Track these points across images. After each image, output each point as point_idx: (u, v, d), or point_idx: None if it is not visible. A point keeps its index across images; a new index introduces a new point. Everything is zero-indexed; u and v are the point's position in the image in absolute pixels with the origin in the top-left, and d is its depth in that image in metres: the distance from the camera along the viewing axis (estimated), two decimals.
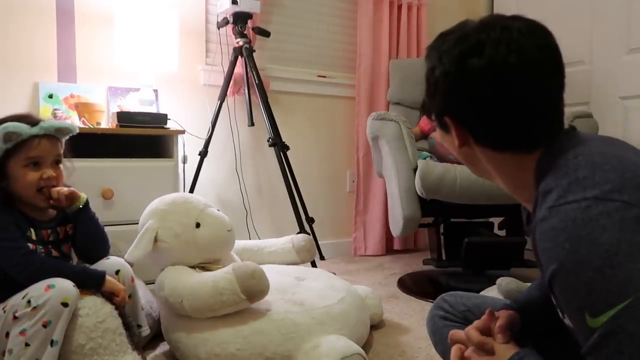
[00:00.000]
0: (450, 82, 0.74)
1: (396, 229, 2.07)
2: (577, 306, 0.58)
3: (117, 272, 1.29)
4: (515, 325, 0.85)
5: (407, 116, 2.55)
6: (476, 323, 0.85)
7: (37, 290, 1.09)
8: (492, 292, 1.53)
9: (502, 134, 0.73)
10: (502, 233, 2.23)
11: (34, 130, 1.21)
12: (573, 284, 0.58)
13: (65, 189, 1.26)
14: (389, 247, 2.91)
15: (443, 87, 0.75)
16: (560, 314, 0.75)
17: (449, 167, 1.94)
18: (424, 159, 2.13)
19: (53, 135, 1.25)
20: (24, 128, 1.19)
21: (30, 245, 1.20)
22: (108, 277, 1.25)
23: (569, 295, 0.59)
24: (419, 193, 1.96)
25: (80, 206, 1.30)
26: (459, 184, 1.91)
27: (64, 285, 1.11)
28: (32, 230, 1.23)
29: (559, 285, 0.60)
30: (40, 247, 1.23)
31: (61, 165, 1.29)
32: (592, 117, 2.09)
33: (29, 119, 1.23)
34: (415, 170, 2.00)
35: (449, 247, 2.17)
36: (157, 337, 1.49)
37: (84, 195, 1.32)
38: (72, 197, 1.27)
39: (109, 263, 1.31)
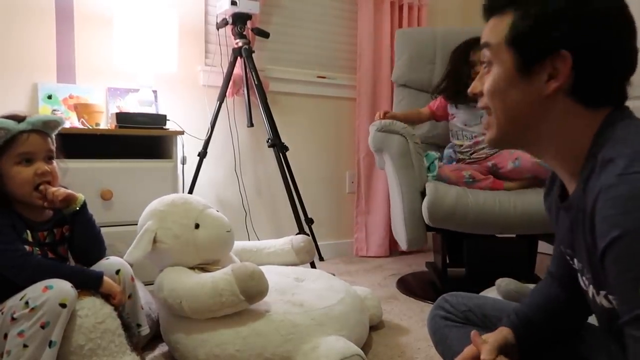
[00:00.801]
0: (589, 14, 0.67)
1: (401, 243, 2.00)
2: (632, 276, 0.58)
3: (118, 271, 1.29)
4: (507, 345, 0.87)
5: (415, 101, 2.41)
6: (465, 352, 0.87)
7: (35, 292, 1.09)
8: (491, 293, 1.53)
9: (606, 82, 0.69)
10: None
11: (22, 125, 1.20)
12: (634, 252, 0.57)
13: (62, 190, 1.24)
14: (393, 248, 2.89)
15: (575, 14, 0.67)
16: (586, 286, 0.75)
17: (460, 196, 1.80)
18: (432, 161, 2.03)
19: (42, 130, 1.24)
20: (10, 124, 1.18)
21: (27, 247, 1.19)
22: (106, 278, 1.24)
23: (626, 263, 0.58)
24: (425, 221, 1.83)
25: (77, 208, 1.29)
26: (472, 214, 1.77)
27: (62, 286, 1.11)
28: (28, 232, 1.22)
29: (615, 253, 0.59)
30: (37, 248, 1.22)
31: (54, 162, 1.27)
32: None
33: (16, 117, 1.22)
34: (422, 192, 1.88)
35: (453, 249, 2.13)
36: (156, 338, 1.49)
37: (81, 197, 1.30)
38: (67, 200, 1.26)
39: (109, 263, 1.31)
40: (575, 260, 0.79)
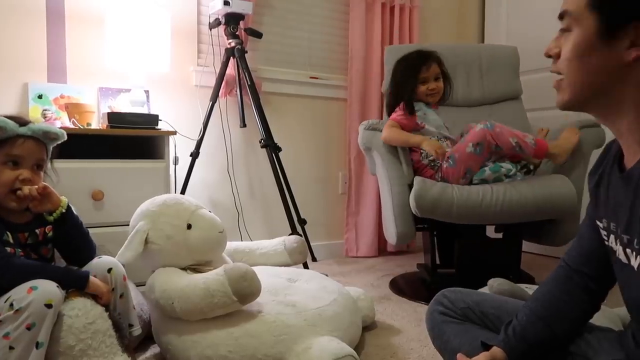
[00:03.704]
0: None
1: (390, 239, 2.04)
2: None
3: (109, 270, 1.28)
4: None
5: None
6: None
7: (20, 293, 1.07)
8: None
9: None
10: (498, 236, 2.23)
11: (22, 129, 1.19)
12: None
13: (40, 184, 1.20)
14: (382, 249, 2.91)
15: None
16: (627, 259, 0.76)
17: (446, 188, 1.84)
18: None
19: (40, 139, 1.23)
20: (10, 124, 1.17)
21: (8, 249, 1.17)
22: (92, 278, 1.23)
23: None
24: (413, 212, 1.88)
25: (63, 211, 1.25)
26: (456, 205, 1.81)
27: (47, 287, 1.09)
28: (8, 233, 1.20)
29: None
30: (19, 250, 1.20)
31: (42, 173, 1.25)
32: (600, 127, 2.01)
33: (19, 119, 1.21)
34: (409, 185, 1.92)
35: (443, 249, 2.16)
36: (147, 339, 1.48)
37: (64, 200, 1.27)
38: (46, 194, 1.21)
39: (101, 262, 1.30)
40: (621, 232, 0.78)
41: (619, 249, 0.80)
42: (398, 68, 2.12)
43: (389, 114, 2.11)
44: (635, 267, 0.75)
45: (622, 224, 0.77)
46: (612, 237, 0.82)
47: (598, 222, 0.87)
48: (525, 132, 1.93)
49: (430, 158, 1.97)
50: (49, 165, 1.30)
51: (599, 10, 0.71)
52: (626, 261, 0.78)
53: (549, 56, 0.80)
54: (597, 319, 0.98)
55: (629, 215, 0.75)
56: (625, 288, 0.82)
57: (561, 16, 0.77)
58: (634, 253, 0.75)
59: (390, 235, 2.03)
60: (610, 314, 1.27)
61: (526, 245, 2.20)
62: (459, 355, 0.90)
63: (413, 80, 2.04)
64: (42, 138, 1.24)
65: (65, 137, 1.30)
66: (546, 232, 2.03)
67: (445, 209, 1.82)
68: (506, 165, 1.94)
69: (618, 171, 0.80)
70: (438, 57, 2.08)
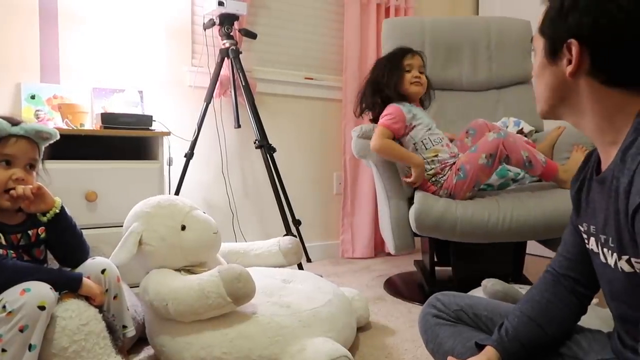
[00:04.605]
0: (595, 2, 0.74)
1: (389, 247, 1.97)
2: None
3: (103, 271, 1.27)
4: None
5: None
6: None
7: (12, 295, 1.06)
8: (477, 294, 1.54)
9: (625, 65, 0.74)
10: None
11: (14, 129, 1.18)
12: None
13: (35, 184, 1.20)
14: (379, 249, 2.91)
15: (584, 6, 0.75)
16: (606, 258, 0.80)
17: (448, 207, 1.73)
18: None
19: (32, 138, 1.22)
20: (2, 124, 1.16)
21: (1, 251, 1.16)
22: (85, 280, 1.22)
23: None
24: (413, 230, 1.79)
25: (57, 211, 1.24)
26: (459, 226, 1.70)
27: (40, 289, 1.09)
28: (0, 235, 1.19)
29: None
30: (11, 251, 1.20)
31: (34, 173, 1.25)
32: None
33: (11, 119, 1.20)
34: (409, 199, 1.83)
35: (441, 249, 2.13)
36: (141, 340, 1.47)
37: (58, 200, 1.26)
38: (40, 194, 1.21)
39: (95, 262, 1.29)
40: (599, 233, 0.82)
41: (599, 250, 0.83)
42: (380, 61, 2.02)
43: (368, 112, 2.00)
44: (612, 265, 0.79)
45: (599, 224, 0.81)
46: (592, 239, 0.85)
47: (580, 227, 0.91)
48: (537, 150, 1.82)
49: (430, 173, 1.85)
50: (41, 165, 1.29)
51: (543, 35, 0.82)
52: (605, 260, 0.81)
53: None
54: (590, 319, 0.99)
55: (604, 215, 0.79)
56: (607, 287, 0.85)
57: (532, 40, 0.88)
58: (610, 251, 0.78)
59: (389, 243, 1.97)
60: (603, 314, 1.28)
61: (533, 248, 2.09)
62: (449, 358, 0.91)
63: (398, 67, 1.92)
64: (34, 137, 1.23)
65: (58, 137, 1.29)
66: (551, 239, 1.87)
67: (448, 229, 1.72)
68: (514, 169, 1.85)
69: (595, 175, 0.85)
70: (422, 54, 1.98)
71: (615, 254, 0.77)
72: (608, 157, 0.80)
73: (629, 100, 0.75)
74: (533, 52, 0.88)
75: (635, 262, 0.73)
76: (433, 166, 1.86)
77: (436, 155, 1.87)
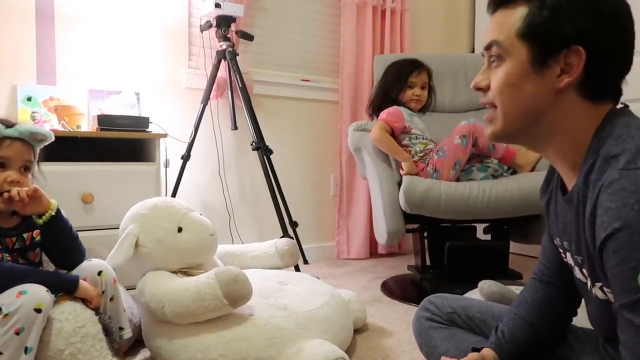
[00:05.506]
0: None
1: (381, 238, 2.07)
2: (631, 265, 0.60)
3: (100, 273, 1.27)
4: None
5: None
6: None
7: (8, 297, 1.06)
8: (474, 295, 1.54)
9: (610, 78, 0.71)
10: (487, 237, 2.25)
11: (8, 131, 1.18)
12: (634, 243, 0.60)
13: (31, 186, 1.20)
14: (373, 251, 2.92)
15: (592, 9, 0.68)
16: (585, 278, 0.77)
17: (434, 184, 1.91)
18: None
19: (27, 140, 1.22)
20: None
21: None
22: (82, 282, 1.22)
23: (626, 254, 0.61)
24: (402, 208, 1.94)
25: (53, 214, 1.24)
26: (444, 200, 1.86)
27: (37, 291, 1.09)
28: None
29: (616, 244, 0.62)
30: (6, 255, 1.19)
31: (30, 175, 1.24)
32: None
33: (6, 122, 1.20)
34: (399, 183, 1.97)
35: (433, 251, 2.18)
36: (138, 343, 1.47)
37: (54, 202, 1.26)
38: (36, 196, 1.20)
39: (91, 265, 1.29)
40: (573, 253, 0.80)
41: (575, 268, 0.82)
42: (391, 70, 2.22)
43: (374, 114, 2.18)
44: (588, 287, 0.77)
45: (573, 244, 0.79)
46: (568, 254, 0.83)
47: (554, 240, 0.89)
48: None
49: (420, 154, 2.06)
50: (36, 168, 1.29)
51: (529, 40, 0.71)
52: (583, 279, 0.79)
53: (478, 89, 0.79)
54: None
55: (576, 237, 0.76)
56: (586, 303, 0.84)
57: (488, 46, 0.76)
58: (585, 276, 0.77)
59: (381, 234, 2.05)
60: None
61: (514, 247, 2.24)
62: (442, 358, 0.91)
63: (403, 82, 2.15)
64: (29, 139, 1.23)
65: (53, 138, 1.29)
66: (532, 231, 2.08)
67: (434, 203, 1.87)
68: (493, 165, 2.03)
69: (561, 192, 0.81)
70: (429, 69, 2.19)
71: (589, 279, 0.75)
72: (570, 179, 0.76)
73: (594, 118, 0.71)
74: (492, 60, 0.76)
75: (608, 291, 0.71)
76: (420, 149, 2.08)
77: (426, 146, 2.10)
